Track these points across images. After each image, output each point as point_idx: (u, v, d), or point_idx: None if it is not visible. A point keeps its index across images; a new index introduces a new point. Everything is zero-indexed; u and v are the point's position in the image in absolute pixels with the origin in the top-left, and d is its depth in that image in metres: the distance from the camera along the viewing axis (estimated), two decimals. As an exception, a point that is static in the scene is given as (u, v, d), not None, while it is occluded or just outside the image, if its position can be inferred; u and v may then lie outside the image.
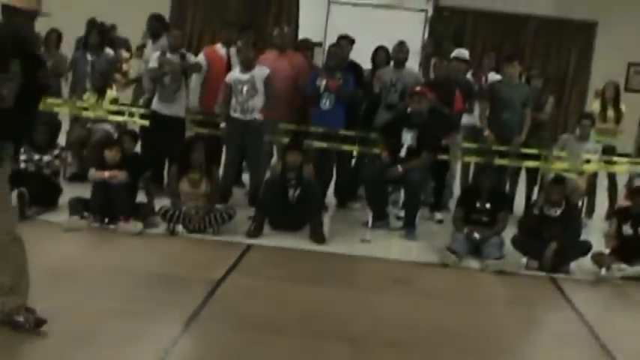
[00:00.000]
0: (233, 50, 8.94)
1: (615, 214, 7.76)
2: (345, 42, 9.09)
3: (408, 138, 8.08)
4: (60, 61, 9.77)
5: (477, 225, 7.56)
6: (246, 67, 8.22)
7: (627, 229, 7.35)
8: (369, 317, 5.63)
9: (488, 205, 7.65)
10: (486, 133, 8.92)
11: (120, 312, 5.17)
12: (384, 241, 7.86)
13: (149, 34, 9.67)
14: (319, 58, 11.56)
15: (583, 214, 9.11)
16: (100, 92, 9.28)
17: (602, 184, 9.75)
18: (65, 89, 10.06)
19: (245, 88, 8.14)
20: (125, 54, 10.52)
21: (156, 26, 9.59)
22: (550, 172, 8.71)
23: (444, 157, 8.73)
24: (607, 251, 7.37)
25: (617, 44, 14.81)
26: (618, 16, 14.90)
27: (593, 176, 9.47)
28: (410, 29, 13.14)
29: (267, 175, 8.46)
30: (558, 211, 7.38)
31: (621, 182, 9.64)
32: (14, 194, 6.58)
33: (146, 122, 8.90)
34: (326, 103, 8.44)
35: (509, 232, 7.59)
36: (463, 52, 9.34)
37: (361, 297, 6.12)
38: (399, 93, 8.67)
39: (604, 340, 5.51)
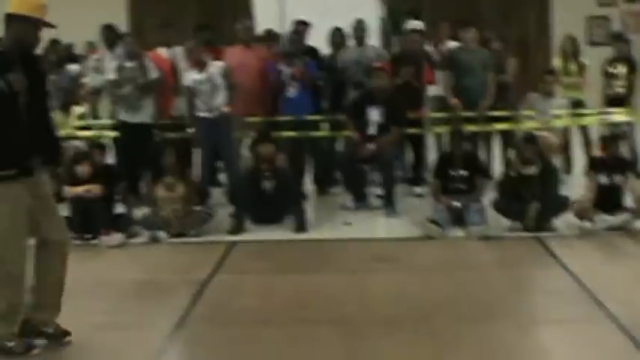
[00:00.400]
0: (175, 51, 8.89)
1: (590, 165, 7.76)
2: (302, 27, 9.06)
3: (374, 115, 8.07)
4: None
5: (455, 193, 7.54)
6: (201, 66, 8.20)
7: (603, 179, 7.33)
8: (358, 298, 5.62)
9: (463, 172, 7.62)
10: (452, 101, 8.93)
11: (109, 324, 5.14)
12: (367, 222, 7.86)
13: (105, 46, 9.57)
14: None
15: (561, 171, 9.12)
16: (65, 109, 9.18)
17: (578, 140, 9.75)
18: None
19: (205, 88, 8.13)
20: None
21: (108, 36, 9.49)
22: (521, 133, 8.72)
23: (418, 130, 8.71)
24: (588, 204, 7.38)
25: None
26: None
27: (566, 131, 9.49)
28: (366, 11, 13.09)
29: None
30: (534, 169, 7.38)
31: (595, 135, 9.64)
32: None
33: (116, 134, 8.81)
34: (292, 91, 8.41)
35: (490, 197, 7.59)
36: (417, 23, 9.31)
37: (348, 279, 6.10)
38: (363, 70, 8.65)
39: (594, 292, 5.51)
